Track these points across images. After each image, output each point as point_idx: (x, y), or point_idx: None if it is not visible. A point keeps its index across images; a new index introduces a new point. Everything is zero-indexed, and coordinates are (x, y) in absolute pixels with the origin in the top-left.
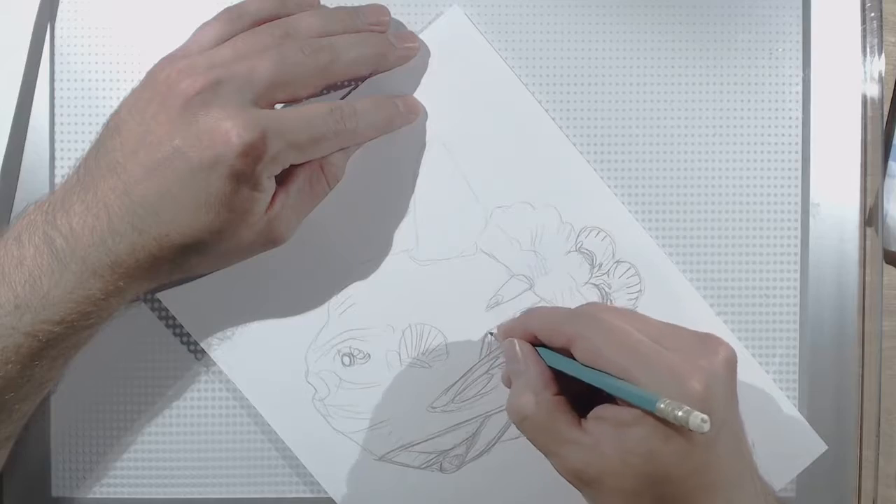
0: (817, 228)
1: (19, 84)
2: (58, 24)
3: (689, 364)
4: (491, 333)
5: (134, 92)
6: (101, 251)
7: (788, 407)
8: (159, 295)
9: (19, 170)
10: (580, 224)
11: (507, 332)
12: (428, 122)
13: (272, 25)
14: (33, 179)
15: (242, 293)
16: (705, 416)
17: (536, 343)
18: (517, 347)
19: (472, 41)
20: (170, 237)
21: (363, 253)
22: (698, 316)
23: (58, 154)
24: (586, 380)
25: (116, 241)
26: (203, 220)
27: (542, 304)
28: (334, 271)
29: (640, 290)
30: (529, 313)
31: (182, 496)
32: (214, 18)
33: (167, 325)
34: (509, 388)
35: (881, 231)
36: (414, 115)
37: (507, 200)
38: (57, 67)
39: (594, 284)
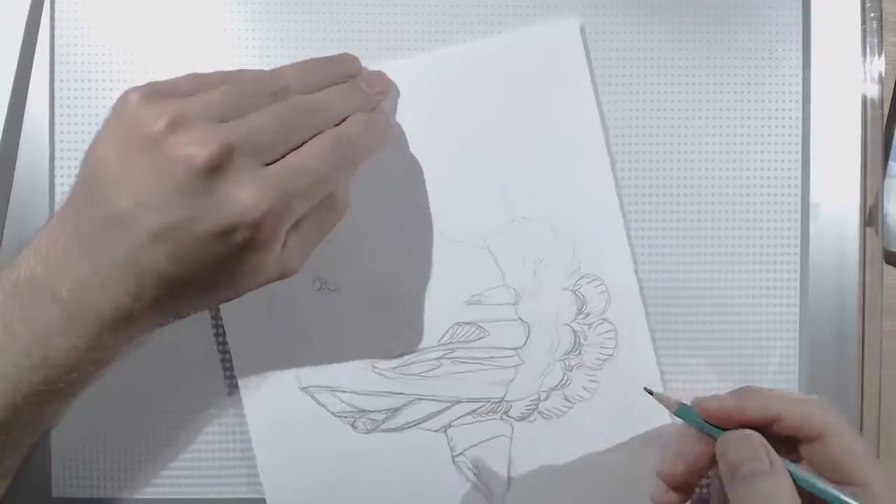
0: (817, 228)
1: (11, 84)
2: (57, 24)
3: None
4: (648, 390)
5: (111, 130)
6: (113, 306)
7: None
8: None
9: (14, 171)
10: (587, 269)
11: (718, 413)
12: (494, 112)
13: (259, 82)
14: (33, 179)
15: None
16: None
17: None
18: (759, 443)
19: (575, 60)
20: (182, 291)
21: (381, 202)
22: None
23: (58, 154)
24: (833, 496)
25: (131, 297)
26: (215, 277)
27: (519, 323)
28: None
29: (610, 356)
30: (758, 393)
31: (182, 496)
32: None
33: None
34: (679, 482)
35: (881, 231)
36: (393, 133)
37: (532, 213)
38: (57, 67)
39: (572, 328)
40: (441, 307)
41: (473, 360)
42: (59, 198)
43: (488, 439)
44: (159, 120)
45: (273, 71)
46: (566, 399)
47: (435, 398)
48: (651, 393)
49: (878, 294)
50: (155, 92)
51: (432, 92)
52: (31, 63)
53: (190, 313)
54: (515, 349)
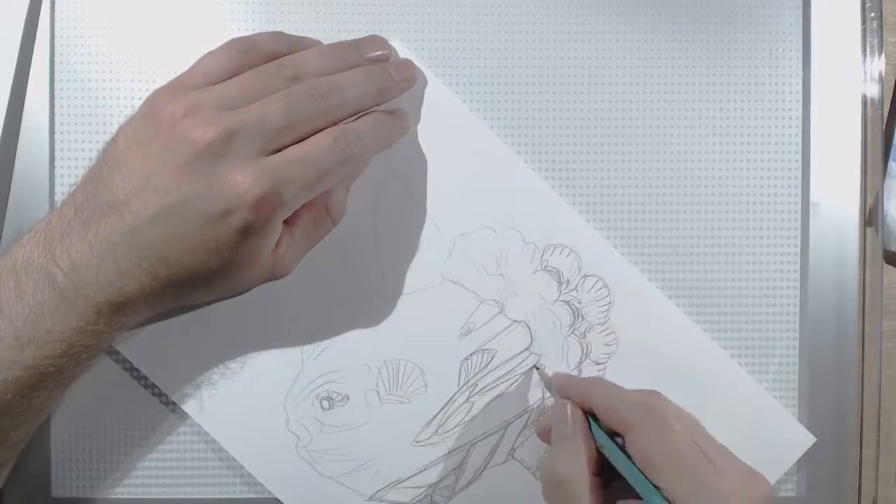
0: (817, 228)
1: (10, 84)
2: (57, 24)
3: (735, 495)
4: (536, 367)
5: (133, 122)
6: (108, 290)
7: (771, 403)
8: (130, 356)
9: (13, 170)
10: (543, 243)
11: (565, 389)
12: (385, 159)
13: (280, 66)
14: (33, 179)
15: (215, 348)
16: None
17: (588, 413)
18: (569, 411)
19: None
20: (178, 276)
21: (330, 294)
22: (669, 319)
23: (58, 154)
24: (627, 476)
25: (125, 280)
26: (211, 263)
27: (516, 325)
28: (303, 316)
29: (610, 302)
30: (593, 383)
31: (182, 496)
32: (221, 48)
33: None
34: (543, 440)
35: (881, 231)
36: (408, 127)
37: (468, 227)
38: (57, 67)
39: (564, 301)
40: (442, 355)
41: (498, 382)
42: (59, 197)
43: None
44: (176, 109)
45: (295, 56)
46: (596, 363)
47: (486, 434)
48: (537, 368)
49: (878, 294)
50: (177, 85)
51: None
52: (31, 63)
53: (182, 308)
54: (527, 349)
